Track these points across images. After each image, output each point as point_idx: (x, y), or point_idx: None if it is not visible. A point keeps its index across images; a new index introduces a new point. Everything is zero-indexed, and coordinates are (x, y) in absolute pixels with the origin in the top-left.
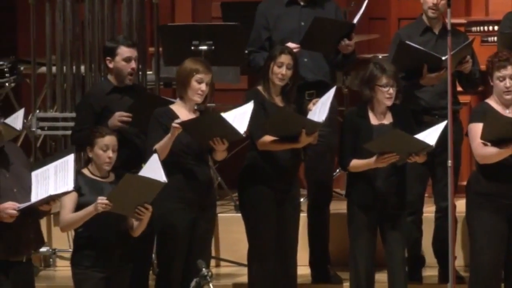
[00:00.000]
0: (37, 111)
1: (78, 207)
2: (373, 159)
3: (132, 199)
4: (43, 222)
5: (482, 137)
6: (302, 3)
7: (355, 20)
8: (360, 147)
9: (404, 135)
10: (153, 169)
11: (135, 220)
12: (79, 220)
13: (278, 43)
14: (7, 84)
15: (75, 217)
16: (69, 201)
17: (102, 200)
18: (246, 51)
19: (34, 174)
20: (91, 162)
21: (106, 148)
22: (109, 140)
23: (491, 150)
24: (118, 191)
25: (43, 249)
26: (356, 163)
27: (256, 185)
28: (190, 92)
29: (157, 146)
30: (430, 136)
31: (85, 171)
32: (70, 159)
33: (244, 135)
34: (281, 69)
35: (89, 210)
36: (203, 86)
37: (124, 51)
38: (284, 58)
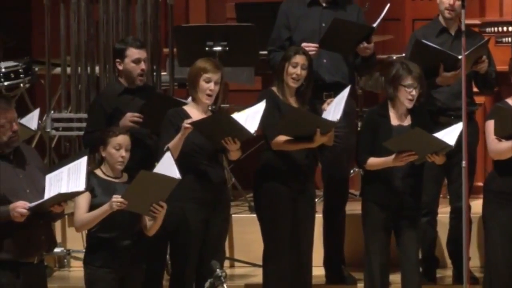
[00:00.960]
0: (52, 111)
1: (91, 208)
2: (391, 157)
3: (147, 197)
4: (57, 223)
5: (495, 133)
6: (323, 4)
7: (375, 24)
8: (378, 146)
9: (424, 134)
10: (167, 167)
11: (150, 218)
12: (94, 219)
13: (298, 43)
14: (21, 84)
15: (90, 216)
16: (84, 202)
17: (117, 198)
18: (266, 51)
19: (48, 177)
20: (104, 162)
21: (119, 147)
22: (122, 139)
23: (503, 145)
24: (134, 188)
25: (57, 250)
26: (374, 161)
27: (271, 185)
28: (199, 92)
29: (168, 145)
30: (448, 136)
31: (98, 171)
32: (83, 161)
33: (254, 135)
34: (295, 70)
35: (104, 208)
36: (212, 86)
37: (133, 52)
38: (299, 59)
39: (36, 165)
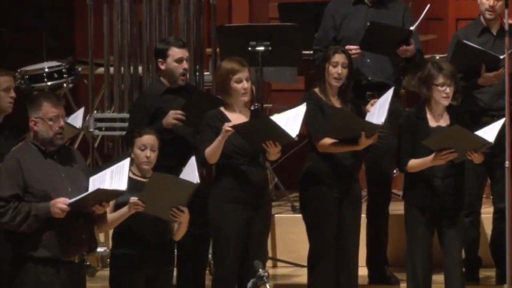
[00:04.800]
0: (95, 111)
1: (117, 206)
2: (430, 157)
3: (165, 200)
4: None
5: None
6: (369, 4)
7: (413, 26)
8: (417, 149)
9: (464, 131)
10: (189, 172)
11: (173, 222)
12: (115, 221)
13: (343, 41)
14: (65, 84)
15: (111, 218)
16: None
17: (134, 200)
18: (311, 50)
19: (92, 179)
20: (133, 162)
21: (144, 147)
22: (147, 139)
23: None
24: (148, 190)
25: (100, 250)
26: (414, 163)
27: (317, 186)
28: (234, 94)
29: (208, 149)
30: (488, 133)
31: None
32: (126, 162)
33: (295, 139)
34: (336, 69)
35: (123, 211)
36: (245, 84)
37: (176, 52)
38: (339, 57)
39: (79, 167)
